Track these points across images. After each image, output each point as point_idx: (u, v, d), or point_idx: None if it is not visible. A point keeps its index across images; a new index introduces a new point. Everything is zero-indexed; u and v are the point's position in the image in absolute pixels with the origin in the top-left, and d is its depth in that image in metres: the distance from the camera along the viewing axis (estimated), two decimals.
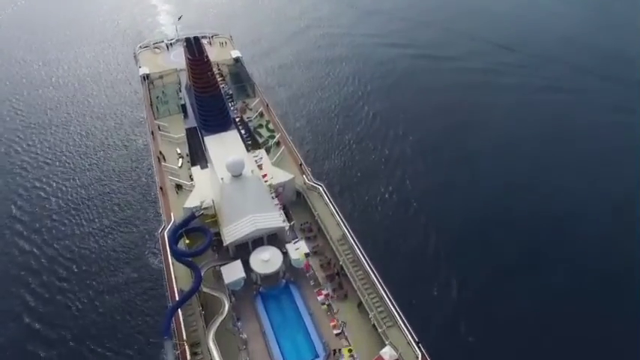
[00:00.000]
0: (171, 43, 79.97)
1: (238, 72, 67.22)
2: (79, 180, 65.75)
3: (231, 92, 60.76)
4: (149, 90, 65.50)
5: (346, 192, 61.84)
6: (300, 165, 51.15)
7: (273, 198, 43.45)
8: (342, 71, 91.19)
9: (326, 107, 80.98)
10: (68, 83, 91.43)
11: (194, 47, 50.13)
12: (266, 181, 44.42)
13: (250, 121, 57.87)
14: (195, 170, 48.68)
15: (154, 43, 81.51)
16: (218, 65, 67.22)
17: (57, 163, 69.12)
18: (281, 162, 51.74)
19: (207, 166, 48.43)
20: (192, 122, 55.22)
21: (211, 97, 49.48)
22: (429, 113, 77.09)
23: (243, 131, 52.25)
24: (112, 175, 66.69)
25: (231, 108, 56.55)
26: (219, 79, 60.53)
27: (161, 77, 67.25)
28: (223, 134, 50.26)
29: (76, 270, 52.69)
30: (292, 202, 48.44)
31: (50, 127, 77.92)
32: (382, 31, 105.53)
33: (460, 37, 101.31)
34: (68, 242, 56.02)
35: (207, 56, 49.83)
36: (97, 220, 59.12)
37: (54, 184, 64.86)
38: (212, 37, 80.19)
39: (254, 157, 47.87)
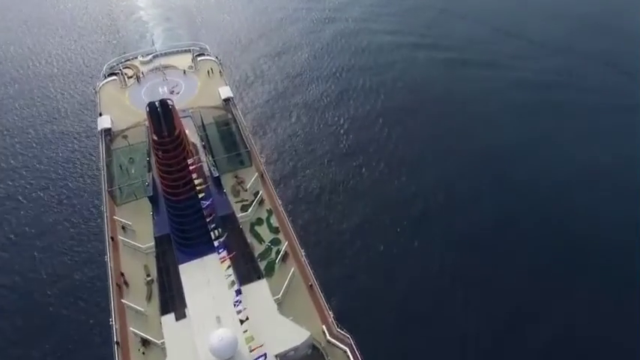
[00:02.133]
0: (149, 59, 62.05)
1: (230, 130, 48.37)
2: None
3: (214, 166, 41.66)
4: (109, 154, 47.32)
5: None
6: (319, 301, 34.33)
7: None
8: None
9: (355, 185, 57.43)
10: None
11: (161, 119, 32.16)
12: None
13: (246, 212, 40.63)
14: (167, 322, 30.71)
15: (124, 61, 63.32)
16: (201, 117, 49.42)
17: None
18: (289, 295, 34.71)
19: (184, 315, 31.33)
20: (165, 224, 34.99)
21: (188, 203, 32.02)
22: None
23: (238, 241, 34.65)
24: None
25: (219, 194, 38.79)
26: (199, 145, 43.01)
27: (125, 137, 49.08)
28: (206, 260, 32.82)
29: None
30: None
31: None
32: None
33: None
34: None
35: (180, 135, 32.17)
36: None
37: None
38: (195, 57, 62.11)
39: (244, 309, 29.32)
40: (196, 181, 30.67)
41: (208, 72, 59.07)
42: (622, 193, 53.15)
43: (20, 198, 56.72)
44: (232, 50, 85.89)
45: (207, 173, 39.62)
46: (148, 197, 37.61)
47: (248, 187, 42.70)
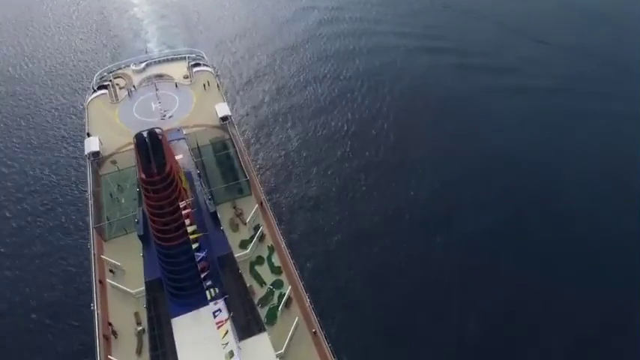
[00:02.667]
0: (142, 67, 58.82)
1: (227, 154, 44.64)
2: None
3: (210, 198, 37.93)
4: (96, 182, 43.53)
5: None
6: (326, 352, 30.66)
7: None
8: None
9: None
10: None
11: (150, 154, 28.62)
12: None
13: (245, 250, 36.98)
14: None
15: (115, 70, 59.96)
16: (197, 139, 45.82)
17: None
18: (293, 348, 30.75)
19: None
20: (156, 267, 30.59)
21: (180, 249, 28.39)
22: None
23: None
24: None
25: (217, 231, 35.07)
26: (194, 173, 39.33)
27: (114, 162, 45.38)
28: (202, 312, 29.02)
29: None
30: None
31: None
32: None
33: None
34: None
35: (172, 172, 28.64)
36: None
37: None
38: (191, 66, 58.45)
39: None
40: (189, 229, 27.07)
41: (204, 85, 55.45)
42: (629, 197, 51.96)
43: None
44: (230, 51, 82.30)
45: (202, 206, 36.17)
46: (139, 236, 33.95)
47: (248, 220, 39.05)
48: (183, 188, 29.37)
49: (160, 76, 58.30)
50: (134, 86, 55.79)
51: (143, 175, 28.05)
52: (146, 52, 67.64)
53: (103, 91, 55.74)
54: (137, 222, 34.98)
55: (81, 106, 57.34)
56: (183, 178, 31.82)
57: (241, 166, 43.07)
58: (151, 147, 29.40)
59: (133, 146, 47.48)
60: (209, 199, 36.69)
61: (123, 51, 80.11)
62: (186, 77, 57.64)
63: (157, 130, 30.11)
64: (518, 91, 69.12)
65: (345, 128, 63.96)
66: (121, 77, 59.59)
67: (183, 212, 27.18)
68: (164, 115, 49.68)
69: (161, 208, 28.03)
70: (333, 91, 71.68)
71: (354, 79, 74.28)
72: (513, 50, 79.11)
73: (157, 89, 52.73)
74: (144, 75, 58.90)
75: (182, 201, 27.69)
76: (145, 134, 30.14)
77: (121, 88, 56.98)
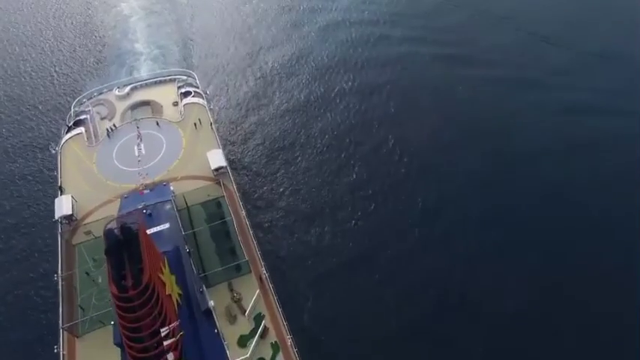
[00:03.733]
0: (126, 92, 52.62)
1: (223, 222, 37.84)
2: None
3: (201, 291, 31.53)
4: (69, 258, 36.65)
5: None
6: None
7: None
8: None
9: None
10: None
11: (124, 258, 22.35)
12: None
13: (245, 355, 30.18)
14: None
15: (96, 95, 53.49)
16: (185, 201, 39.65)
17: None
18: None
19: None
20: None
21: None
22: None
23: None
24: None
25: (211, 339, 28.68)
26: (183, 253, 32.98)
27: (88, 232, 38.38)
28: None
29: None
30: None
31: None
32: None
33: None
34: None
35: (151, 281, 22.48)
36: None
37: None
38: (181, 93, 51.75)
39: None
40: None
41: (195, 125, 48.16)
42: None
43: None
44: (229, 51, 76.10)
45: (192, 300, 29.87)
46: (115, 344, 27.54)
47: (248, 309, 32.64)
48: (165, 310, 23.01)
49: (146, 103, 51.83)
50: (114, 125, 48.75)
51: (115, 289, 21.91)
52: (131, 73, 61.35)
53: (79, 129, 48.23)
54: (113, 324, 28.71)
55: (54, 151, 47.68)
56: (168, 281, 25.65)
57: (238, 235, 36.69)
58: (125, 248, 23.37)
59: (113, 201, 41.87)
60: (200, 291, 30.45)
61: (111, 50, 73.55)
62: (175, 104, 51.11)
63: (133, 226, 24.14)
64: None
65: (365, 177, 54.39)
66: (102, 104, 52.40)
67: (166, 343, 20.94)
68: (142, 172, 42.21)
69: (138, 330, 21.85)
70: (352, 126, 61.89)
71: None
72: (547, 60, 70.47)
73: (139, 135, 45.50)
74: (129, 102, 52.26)
75: (166, 326, 21.51)
76: (116, 231, 24.14)
77: (102, 119, 50.17)
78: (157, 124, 48.27)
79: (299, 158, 57.49)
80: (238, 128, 62.47)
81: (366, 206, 51.57)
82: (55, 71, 73.29)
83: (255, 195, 53.13)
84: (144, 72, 71.12)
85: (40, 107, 66.42)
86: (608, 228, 46.51)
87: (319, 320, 40.25)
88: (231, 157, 56.10)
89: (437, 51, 72.98)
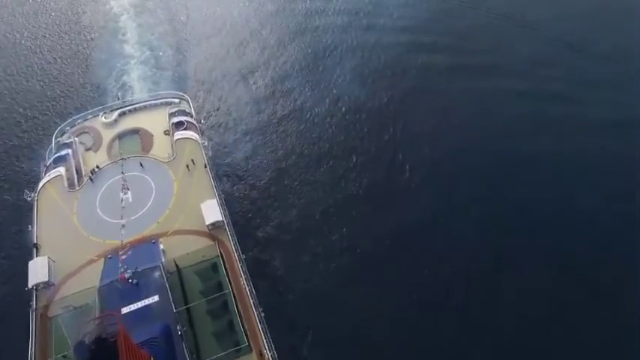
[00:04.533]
0: (113, 119, 47.64)
1: (222, 295, 31.26)
2: None
3: None
4: (45, 329, 30.87)
5: None
6: None
7: None
8: None
9: None
10: None
11: None
12: None
13: None
14: None
15: (81, 121, 48.32)
16: (177, 266, 34.91)
17: None
18: None
19: None
20: None
21: None
22: None
23: None
24: None
25: None
26: (174, 333, 28.50)
27: (67, 306, 32.45)
28: None
29: None
30: None
31: None
32: None
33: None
34: None
35: None
36: None
37: None
38: (173, 125, 45.58)
39: None
40: None
41: (188, 166, 42.76)
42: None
43: None
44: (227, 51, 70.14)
45: None
46: None
47: None
48: None
49: (135, 132, 46.56)
50: (97, 166, 42.58)
51: None
52: (118, 98, 56.44)
53: (58, 170, 41.81)
54: None
55: (29, 198, 40.71)
56: None
57: (237, 310, 32.20)
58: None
59: (95, 261, 37.10)
60: None
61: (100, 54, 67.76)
62: (167, 133, 46.56)
63: (110, 336, 20.09)
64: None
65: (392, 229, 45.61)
66: (87, 132, 46.87)
67: None
68: (128, 224, 35.91)
69: None
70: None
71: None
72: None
73: (124, 185, 38.91)
74: (116, 130, 46.79)
75: None
76: (90, 345, 20.20)
77: (87, 150, 44.75)
78: (141, 165, 42.48)
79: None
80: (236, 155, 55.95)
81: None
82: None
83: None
84: (134, 75, 65.62)
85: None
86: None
87: None
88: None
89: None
